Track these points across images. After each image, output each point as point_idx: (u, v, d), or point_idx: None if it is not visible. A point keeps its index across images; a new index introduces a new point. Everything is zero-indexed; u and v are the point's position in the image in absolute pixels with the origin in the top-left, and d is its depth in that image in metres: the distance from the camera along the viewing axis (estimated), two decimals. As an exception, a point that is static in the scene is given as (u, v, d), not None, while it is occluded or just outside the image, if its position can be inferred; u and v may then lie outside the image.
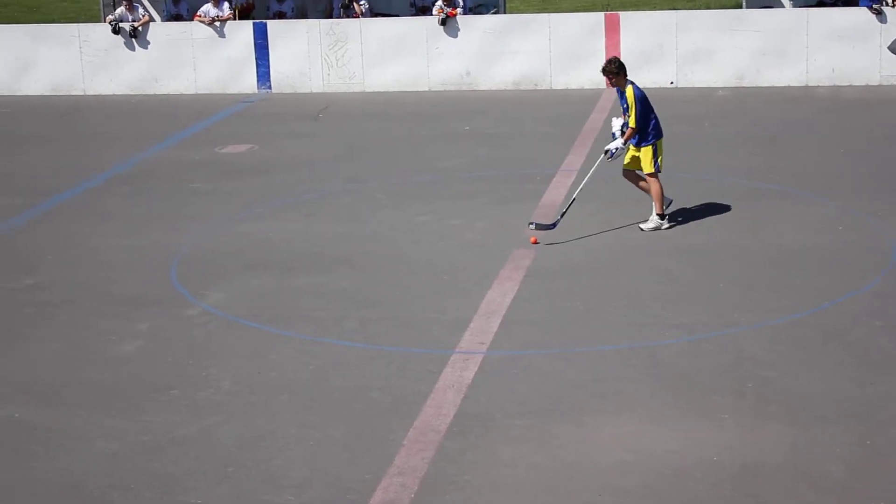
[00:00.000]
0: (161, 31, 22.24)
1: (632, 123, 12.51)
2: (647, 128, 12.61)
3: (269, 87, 21.84)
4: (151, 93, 22.11)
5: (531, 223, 12.59)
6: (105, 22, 22.53)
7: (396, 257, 12.34)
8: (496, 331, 10.19)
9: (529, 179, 14.87)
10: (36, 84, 22.45)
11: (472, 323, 10.36)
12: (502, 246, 12.44)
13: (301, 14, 23.04)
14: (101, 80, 22.31)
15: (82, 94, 22.31)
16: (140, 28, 22.02)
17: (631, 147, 12.72)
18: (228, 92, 21.86)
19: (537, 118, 19.08)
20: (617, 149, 12.67)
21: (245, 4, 23.12)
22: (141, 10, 22.40)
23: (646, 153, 12.68)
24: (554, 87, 21.00)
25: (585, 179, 12.97)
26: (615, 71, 12.53)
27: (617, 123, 12.76)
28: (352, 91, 21.59)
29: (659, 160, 12.72)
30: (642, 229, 12.73)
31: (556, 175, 15.13)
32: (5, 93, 22.48)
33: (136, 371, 9.69)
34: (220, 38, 21.88)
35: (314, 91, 21.67)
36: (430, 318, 10.59)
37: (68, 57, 22.31)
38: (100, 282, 11.90)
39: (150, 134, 18.85)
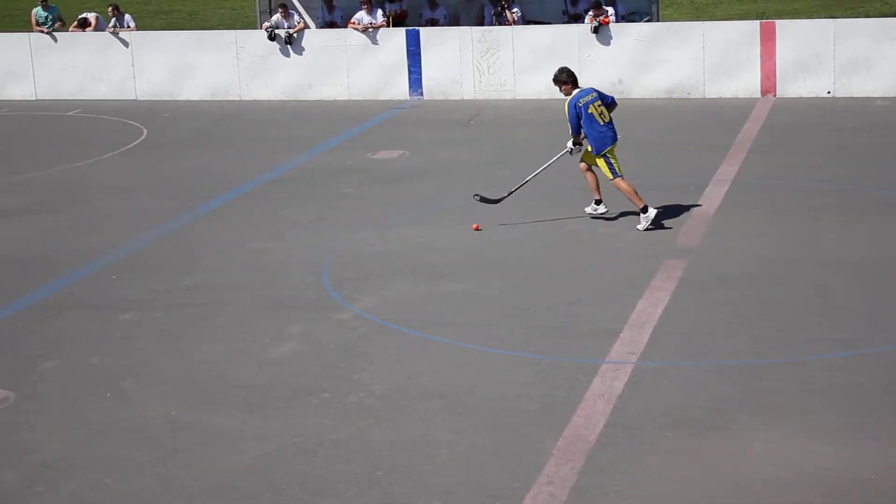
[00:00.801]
0: (315, 37, 22.58)
1: (570, 130, 13.27)
2: (593, 138, 13.23)
3: (421, 94, 22.01)
4: (305, 98, 22.45)
5: (476, 195, 13.40)
6: (261, 29, 22.96)
7: (547, 265, 12.32)
8: (647, 341, 10.10)
9: (682, 189, 14.71)
10: (195, 89, 22.97)
11: (622, 333, 10.29)
12: (654, 256, 12.34)
13: (453, 21, 23.18)
14: (257, 85, 22.73)
15: (238, 99, 22.75)
16: (295, 35, 22.37)
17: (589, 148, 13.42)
18: (381, 98, 22.08)
19: (690, 127, 18.90)
20: (571, 149, 13.47)
21: (398, 12, 23.35)
22: (296, 17, 22.76)
23: (601, 163, 13.31)
24: (707, 96, 20.78)
25: (544, 166, 13.73)
26: (564, 80, 13.35)
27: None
28: (503, 98, 21.64)
29: (615, 166, 13.30)
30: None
31: (710, 185, 14.96)
32: (167, 97, 23.04)
33: (289, 373, 9.83)
34: (373, 45, 22.11)
35: (465, 98, 21.78)
36: (579, 327, 10.54)
37: (226, 63, 22.79)
38: (255, 284, 12.11)
39: (303, 139, 19.14)
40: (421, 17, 23.21)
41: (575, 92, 13.29)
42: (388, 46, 22.08)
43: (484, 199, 13.52)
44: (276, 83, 22.65)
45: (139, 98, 23.22)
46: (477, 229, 13.34)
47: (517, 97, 21.59)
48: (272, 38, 22.44)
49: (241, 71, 22.76)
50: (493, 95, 21.72)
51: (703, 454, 8.13)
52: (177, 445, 8.62)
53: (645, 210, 13.15)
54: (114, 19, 23.41)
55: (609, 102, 13.52)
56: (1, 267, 13.07)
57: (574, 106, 13.19)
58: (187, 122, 21.16)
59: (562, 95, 13.54)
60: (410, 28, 22.28)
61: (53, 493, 8.01)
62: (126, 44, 23.20)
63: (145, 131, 20.41)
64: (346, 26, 22.50)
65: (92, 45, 23.56)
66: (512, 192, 13.19)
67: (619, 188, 13.31)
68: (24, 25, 25.18)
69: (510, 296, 11.44)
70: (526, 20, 22.82)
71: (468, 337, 10.41)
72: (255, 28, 24.21)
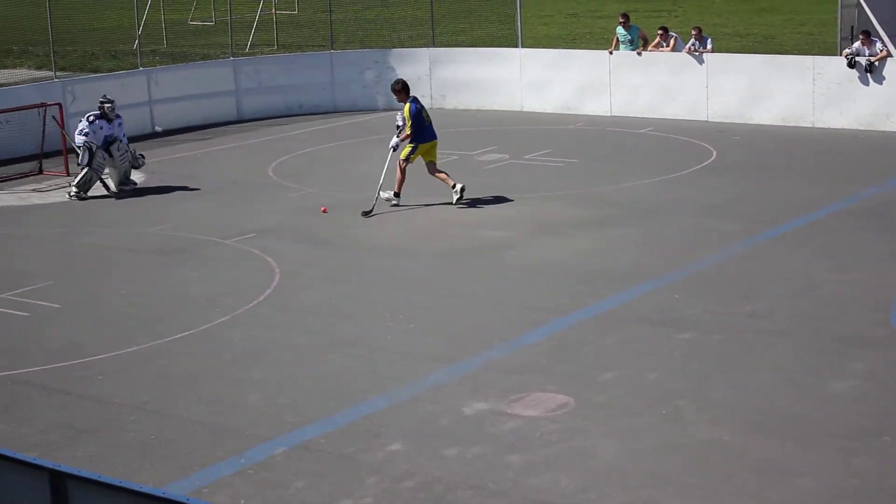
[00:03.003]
0: (898, 67, 21.75)
1: (407, 130, 16.77)
2: (426, 131, 16.78)
3: None
4: (881, 129, 21.66)
5: (363, 212, 16.41)
6: (841, 55, 22.40)
7: None
8: None
9: None
10: (766, 113, 22.78)
11: None
12: None
13: None
14: (831, 113, 22.20)
15: (810, 126, 22.31)
16: (876, 63, 21.65)
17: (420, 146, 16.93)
18: (963, 133, 20.93)
19: None
20: (397, 145, 16.85)
21: None
22: (878, 45, 22.01)
23: (409, 148, 16.86)
24: None
25: (384, 171, 16.71)
26: (398, 89, 16.93)
27: (399, 119, 16.92)
28: None
29: (412, 157, 16.84)
30: (380, 196, 16.75)
31: None
32: (737, 120, 22.98)
33: (848, 411, 9.51)
34: (960, 77, 20.99)
35: None
36: None
37: (801, 89, 22.42)
38: (816, 315, 11.82)
39: (878, 170, 18.47)
40: None
41: (409, 100, 16.70)
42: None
43: (364, 213, 16.34)
44: (852, 112, 22.02)
45: (710, 119, 23.32)
46: (325, 211, 16.68)
47: None
48: (852, 65, 21.84)
49: (816, 97, 22.31)
50: None
51: None
52: (728, 471, 8.56)
53: (398, 195, 16.72)
54: (693, 40, 23.66)
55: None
56: (562, 277, 13.54)
57: (415, 108, 16.62)
58: (757, 146, 20.98)
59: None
60: None
61: (605, 501, 8.19)
62: (702, 65, 23.39)
63: (714, 153, 20.46)
64: (931, 55, 21.52)
65: (668, 64, 23.94)
66: (374, 204, 16.48)
67: (398, 170, 16.69)
68: (604, 44, 25.92)
69: None
70: None
71: None
72: (834, 54, 23.63)
